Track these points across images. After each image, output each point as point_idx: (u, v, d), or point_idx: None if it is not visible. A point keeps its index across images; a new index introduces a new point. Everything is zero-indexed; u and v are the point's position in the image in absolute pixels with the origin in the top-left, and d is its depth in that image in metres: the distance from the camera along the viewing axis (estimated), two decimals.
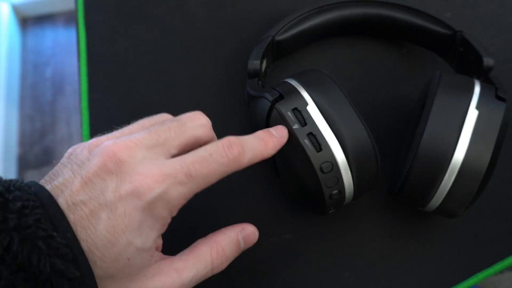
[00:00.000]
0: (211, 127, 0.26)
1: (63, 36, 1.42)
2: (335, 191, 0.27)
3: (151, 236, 0.22)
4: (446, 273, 0.32)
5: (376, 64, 0.39)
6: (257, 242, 0.33)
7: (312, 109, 0.27)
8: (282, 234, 0.33)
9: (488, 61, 0.32)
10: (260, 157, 0.25)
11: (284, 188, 0.32)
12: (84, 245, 0.21)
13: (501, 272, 0.37)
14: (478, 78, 0.33)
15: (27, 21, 1.46)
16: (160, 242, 0.25)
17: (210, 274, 0.25)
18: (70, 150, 0.25)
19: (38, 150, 1.27)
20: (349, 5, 0.38)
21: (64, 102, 1.33)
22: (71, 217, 0.21)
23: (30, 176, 1.24)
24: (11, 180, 0.22)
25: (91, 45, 0.40)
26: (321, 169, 0.26)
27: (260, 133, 0.26)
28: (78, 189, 0.22)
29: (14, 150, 1.27)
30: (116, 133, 0.25)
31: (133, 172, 0.22)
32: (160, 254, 0.24)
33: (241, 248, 0.27)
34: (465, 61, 0.35)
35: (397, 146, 0.36)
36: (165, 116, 0.27)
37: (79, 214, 0.21)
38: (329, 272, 0.32)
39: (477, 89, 0.28)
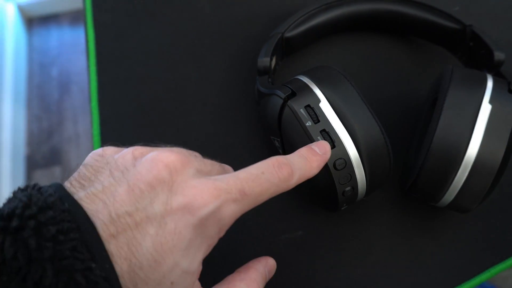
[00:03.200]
0: None
1: (68, 35, 1.43)
2: (348, 188, 0.27)
3: (197, 258, 0.21)
4: (458, 269, 0.32)
5: (385, 59, 0.39)
6: (269, 239, 0.33)
7: (325, 106, 0.27)
8: (294, 231, 0.33)
9: (499, 55, 0.32)
10: (306, 177, 0.24)
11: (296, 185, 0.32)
12: (125, 265, 0.18)
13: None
14: (489, 73, 0.33)
15: (33, 21, 1.46)
16: (201, 267, 0.22)
17: None
18: (96, 154, 0.22)
19: (45, 150, 1.28)
20: (357, 1, 0.37)
21: (70, 102, 1.33)
22: (113, 229, 0.19)
23: (39, 176, 1.24)
24: (40, 191, 0.19)
25: (99, 44, 0.40)
26: (334, 166, 0.26)
27: (304, 152, 0.25)
28: (124, 198, 0.19)
29: (22, 150, 1.28)
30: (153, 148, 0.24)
31: (186, 184, 0.20)
32: (199, 283, 0.23)
33: (266, 280, 0.26)
34: (475, 55, 0.35)
35: (407, 141, 0.36)
36: None
37: (123, 227, 0.19)
38: (341, 269, 0.32)
39: (489, 83, 0.28)
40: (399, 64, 0.39)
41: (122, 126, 0.37)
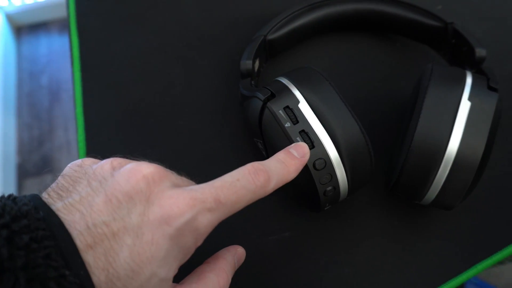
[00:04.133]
0: None
1: (57, 43, 1.42)
2: (329, 188, 0.27)
3: (174, 267, 0.21)
4: (445, 266, 0.32)
5: (369, 59, 0.39)
6: (256, 241, 0.33)
7: (304, 107, 0.27)
8: (281, 232, 0.33)
9: (480, 51, 0.32)
10: (284, 182, 0.24)
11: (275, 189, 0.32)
12: (103, 276, 0.18)
13: (501, 263, 0.37)
14: (471, 70, 0.33)
15: (22, 30, 1.46)
16: (176, 271, 0.22)
17: None
18: (75, 164, 0.23)
19: (36, 158, 1.27)
20: (340, 2, 0.37)
21: (61, 109, 1.33)
22: (90, 239, 0.19)
23: (30, 185, 1.24)
24: (14, 201, 0.19)
25: (84, 50, 0.40)
26: (314, 166, 0.26)
27: (281, 156, 0.25)
28: (101, 208, 0.19)
29: (12, 159, 1.27)
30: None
31: (163, 195, 0.20)
32: (172, 283, 0.23)
33: (235, 269, 0.27)
34: (457, 53, 0.35)
35: (392, 140, 0.36)
36: None
37: (100, 237, 0.19)
38: (329, 269, 0.32)
39: (469, 80, 0.28)
40: (384, 63, 0.39)
41: (108, 132, 0.37)
